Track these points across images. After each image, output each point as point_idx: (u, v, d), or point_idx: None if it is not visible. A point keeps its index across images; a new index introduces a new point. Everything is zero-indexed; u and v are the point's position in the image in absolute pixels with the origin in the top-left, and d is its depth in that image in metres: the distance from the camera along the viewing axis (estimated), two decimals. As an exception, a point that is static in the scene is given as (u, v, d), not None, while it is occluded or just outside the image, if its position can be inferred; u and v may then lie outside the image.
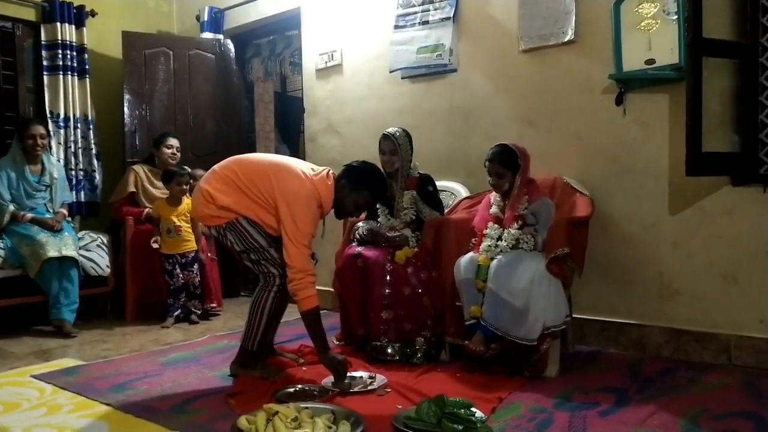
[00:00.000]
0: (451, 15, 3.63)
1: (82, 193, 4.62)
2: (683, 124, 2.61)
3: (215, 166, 2.71)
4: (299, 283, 2.52)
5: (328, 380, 2.55)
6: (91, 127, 4.67)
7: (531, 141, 2.96)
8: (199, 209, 2.63)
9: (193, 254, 4.10)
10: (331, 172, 2.72)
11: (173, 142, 4.41)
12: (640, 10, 2.92)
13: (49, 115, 4.46)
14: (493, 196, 2.92)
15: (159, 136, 4.46)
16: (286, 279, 2.58)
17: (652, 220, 2.99)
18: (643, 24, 2.91)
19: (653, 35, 2.89)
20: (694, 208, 2.87)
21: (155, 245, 3.98)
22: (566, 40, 3.19)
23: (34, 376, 2.81)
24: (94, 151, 4.69)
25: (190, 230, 4.08)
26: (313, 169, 2.70)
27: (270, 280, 2.65)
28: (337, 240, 3.57)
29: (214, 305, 4.26)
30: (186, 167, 4.20)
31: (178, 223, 4.02)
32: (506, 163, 2.78)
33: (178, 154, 4.42)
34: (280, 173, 2.61)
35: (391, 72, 3.87)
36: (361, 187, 2.69)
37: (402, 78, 3.91)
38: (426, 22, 3.74)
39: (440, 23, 3.68)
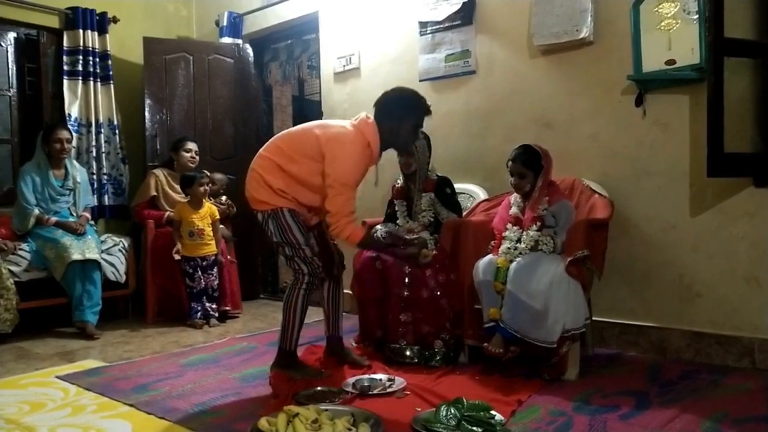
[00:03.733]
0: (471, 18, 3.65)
1: (107, 197, 4.70)
2: (704, 125, 2.59)
3: (262, 150, 2.74)
4: (336, 227, 2.58)
5: (348, 382, 2.56)
6: (116, 131, 4.76)
7: (549, 142, 2.95)
8: (252, 193, 2.67)
9: (213, 257, 4.14)
10: (368, 114, 2.70)
11: (192, 146, 4.46)
12: (659, 10, 2.90)
13: (68, 119, 4.53)
14: (513, 198, 2.91)
15: (177, 140, 4.51)
16: (315, 277, 2.67)
17: (672, 222, 2.96)
18: (662, 24, 2.89)
19: (673, 35, 2.87)
20: (715, 210, 2.84)
21: (177, 256, 4.02)
22: (580, 37, 3.16)
23: (59, 377, 2.86)
24: (120, 156, 4.78)
25: (211, 233, 4.12)
26: (353, 119, 2.72)
27: (299, 278, 2.68)
28: (355, 242, 3.58)
29: (228, 308, 4.29)
30: (205, 171, 4.25)
31: (201, 226, 4.07)
32: (528, 164, 2.77)
33: (197, 158, 4.47)
34: (323, 127, 2.68)
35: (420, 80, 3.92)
36: (408, 110, 2.67)
37: (420, 81, 3.91)
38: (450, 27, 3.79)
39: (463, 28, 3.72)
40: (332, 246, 2.92)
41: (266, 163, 2.66)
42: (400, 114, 2.65)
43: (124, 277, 4.23)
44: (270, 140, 2.78)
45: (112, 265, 4.14)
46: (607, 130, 3.15)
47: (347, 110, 4.34)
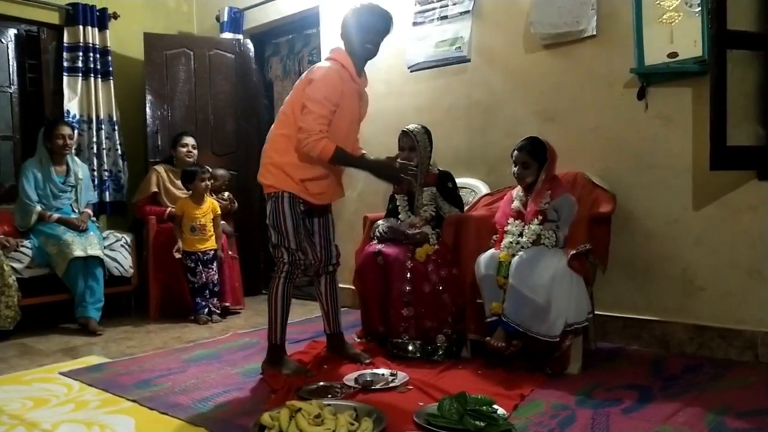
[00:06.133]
0: (470, 8, 3.63)
1: (107, 193, 4.70)
2: (707, 118, 2.57)
3: (267, 135, 2.78)
4: (306, 144, 2.54)
5: (350, 377, 2.56)
6: (116, 128, 4.75)
7: (551, 136, 2.94)
8: (260, 178, 2.73)
9: (213, 252, 4.14)
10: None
11: (188, 140, 4.46)
12: (661, 3, 2.88)
13: (66, 115, 4.52)
14: (516, 192, 2.90)
15: (175, 135, 4.53)
16: (295, 268, 2.71)
17: (675, 215, 2.95)
18: (665, 17, 2.88)
19: (675, 28, 2.85)
20: (718, 204, 2.83)
21: (177, 255, 4.03)
22: (581, 29, 3.15)
23: (62, 373, 2.86)
24: (119, 152, 4.77)
25: (212, 229, 4.12)
26: None
27: (280, 267, 2.72)
28: (357, 238, 3.58)
29: (228, 304, 4.29)
30: (206, 166, 4.25)
31: (203, 222, 4.07)
32: (534, 154, 2.76)
33: (194, 152, 4.47)
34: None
35: (409, 68, 3.89)
36: (361, 15, 2.69)
37: (420, 71, 3.89)
38: (445, 17, 3.75)
39: (459, 17, 3.69)
40: (332, 240, 2.93)
41: (270, 144, 2.71)
42: (350, 24, 2.70)
43: (130, 272, 4.24)
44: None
45: (115, 260, 4.15)
46: (610, 123, 3.14)
47: (348, 105, 4.33)
